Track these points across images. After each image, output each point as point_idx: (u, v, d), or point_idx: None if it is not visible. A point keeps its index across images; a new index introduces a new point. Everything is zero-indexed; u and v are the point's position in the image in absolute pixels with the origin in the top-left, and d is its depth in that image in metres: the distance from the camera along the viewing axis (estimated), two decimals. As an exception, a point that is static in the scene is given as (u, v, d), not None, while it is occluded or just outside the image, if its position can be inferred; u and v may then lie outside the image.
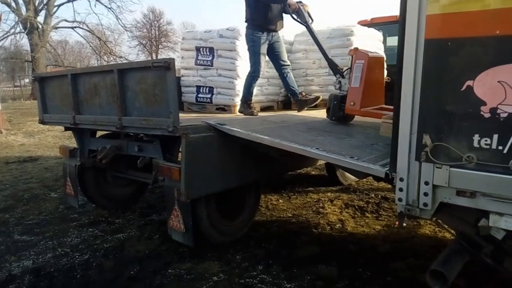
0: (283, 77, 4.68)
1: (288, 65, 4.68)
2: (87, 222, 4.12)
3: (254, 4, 4.35)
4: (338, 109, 3.84)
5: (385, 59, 4.20)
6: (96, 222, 4.12)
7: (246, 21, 4.50)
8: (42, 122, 4.21)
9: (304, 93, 4.69)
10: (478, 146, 1.84)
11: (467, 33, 1.82)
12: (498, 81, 1.75)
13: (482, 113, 1.81)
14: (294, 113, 4.72)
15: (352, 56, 3.76)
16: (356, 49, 3.79)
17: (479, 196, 1.89)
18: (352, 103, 3.64)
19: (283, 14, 4.47)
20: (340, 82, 4.02)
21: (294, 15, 4.34)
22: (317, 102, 4.60)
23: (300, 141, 2.89)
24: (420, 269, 2.84)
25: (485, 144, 1.82)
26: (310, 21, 4.35)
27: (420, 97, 1.96)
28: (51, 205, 4.71)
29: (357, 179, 5.35)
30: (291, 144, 2.75)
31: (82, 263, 3.20)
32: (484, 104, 1.80)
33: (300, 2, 4.35)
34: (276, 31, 4.49)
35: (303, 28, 5.35)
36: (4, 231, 3.92)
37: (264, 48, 4.40)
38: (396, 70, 2.05)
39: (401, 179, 2.09)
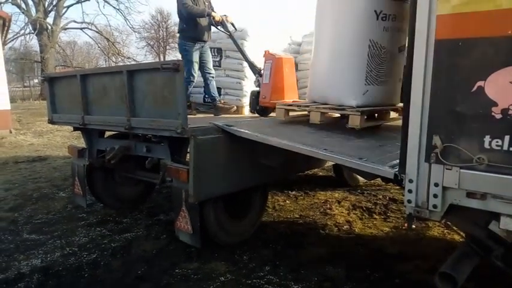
0: (206, 83, 5.10)
1: (212, 74, 5.08)
2: (95, 221, 4.15)
3: (185, 17, 4.74)
4: (256, 103, 4.39)
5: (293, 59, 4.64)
6: (104, 221, 4.14)
7: (178, 32, 4.98)
8: (51, 122, 4.24)
9: (223, 101, 5.13)
10: (489, 147, 1.82)
11: (478, 33, 1.79)
12: (510, 82, 1.73)
13: (493, 113, 1.78)
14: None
15: (264, 58, 4.37)
16: (266, 51, 4.38)
17: (490, 198, 1.86)
18: (264, 97, 4.23)
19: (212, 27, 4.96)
20: (258, 80, 4.56)
21: (218, 27, 4.84)
22: (232, 111, 5.05)
23: (308, 142, 2.88)
24: (429, 271, 2.82)
25: (497, 145, 1.80)
26: (234, 30, 4.90)
27: (430, 98, 1.94)
28: (60, 204, 4.74)
29: (365, 181, 5.33)
30: (299, 146, 2.74)
31: (90, 262, 3.22)
32: (495, 104, 1.77)
33: (224, 15, 4.81)
34: (205, 41, 4.94)
35: (311, 29, 5.39)
36: (13, 229, 3.95)
37: (196, 57, 4.84)
38: (406, 71, 2.04)
39: (410, 181, 2.07)
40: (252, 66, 4.65)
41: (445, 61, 1.89)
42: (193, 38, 4.80)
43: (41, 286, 2.87)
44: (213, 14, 4.71)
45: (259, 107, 4.35)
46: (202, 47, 4.92)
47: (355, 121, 3.22)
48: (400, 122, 4.18)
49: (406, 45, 2.01)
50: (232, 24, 4.88)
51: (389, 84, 3.51)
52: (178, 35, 5.01)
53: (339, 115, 3.72)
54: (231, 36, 4.76)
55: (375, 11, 3.24)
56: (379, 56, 3.34)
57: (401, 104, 3.90)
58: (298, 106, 3.73)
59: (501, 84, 1.75)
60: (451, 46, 1.86)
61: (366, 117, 3.31)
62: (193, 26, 4.76)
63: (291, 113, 3.89)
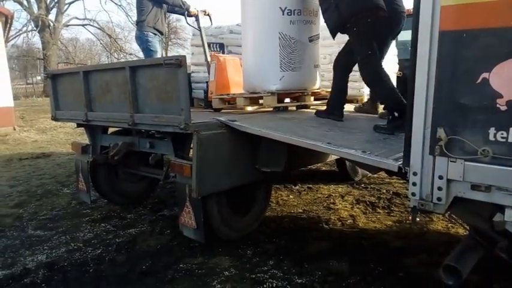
0: None
1: None
2: (99, 217, 4.17)
3: (148, 7, 4.87)
4: (206, 98, 4.85)
5: (239, 60, 4.86)
6: (108, 217, 4.16)
7: (137, 24, 5.03)
8: (54, 118, 4.25)
9: None
10: (493, 139, 1.81)
11: (483, 24, 1.77)
12: (515, 73, 1.72)
13: (498, 105, 1.77)
14: (305, 109, 4.71)
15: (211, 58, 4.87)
16: (212, 53, 4.96)
17: (494, 190, 1.85)
18: (211, 92, 4.62)
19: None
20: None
21: (188, 22, 5.11)
22: None
23: (311, 136, 2.87)
24: (432, 264, 2.82)
25: (502, 137, 1.79)
26: (210, 24, 5.25)
27: (434, 90, 1.92)
28: (64, 200, 4.77)
29: (368, 175, 5.32)
30: (302, 140, 2.73)
31: (95, 257, 3.24)
32: (501, 96, 1.76)
33: (196, 8, 5.06)
34: (163, 34, 5.15)
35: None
36: (18, 226, 3.98)
37: (159, 47, 4.98)
38: (410, 63, 2.02)
39: (414, 173, 2.06)
40: (208, 66, 4.87)
41: (449, 53, 1.87)
42: (154, 28, 4.91)
43: (47, 281, 2.89)
44: (190, 9, 4.92)
45: (208, 102, 4.70)
46: (160, 40, 5.05)
47: (266, 101, 3.94)
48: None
49: (413, 36, 1.98)
50: (210, 18, 5.13)
51: (304, 70, 4.03)
52: (136, 26, 5.10)
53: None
54: (200, 32, 4.95)
55: (280, 8, 3.79)
56: (289, 46, 3.88)
57: (325, 89, 4.44)
58: (227, 95, 4.39)
59: (506, 76, 1.74)
60: (455, 37, 1.85)
61: (279, 98, 3.99)
62: (153, 17, 4.88)
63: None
